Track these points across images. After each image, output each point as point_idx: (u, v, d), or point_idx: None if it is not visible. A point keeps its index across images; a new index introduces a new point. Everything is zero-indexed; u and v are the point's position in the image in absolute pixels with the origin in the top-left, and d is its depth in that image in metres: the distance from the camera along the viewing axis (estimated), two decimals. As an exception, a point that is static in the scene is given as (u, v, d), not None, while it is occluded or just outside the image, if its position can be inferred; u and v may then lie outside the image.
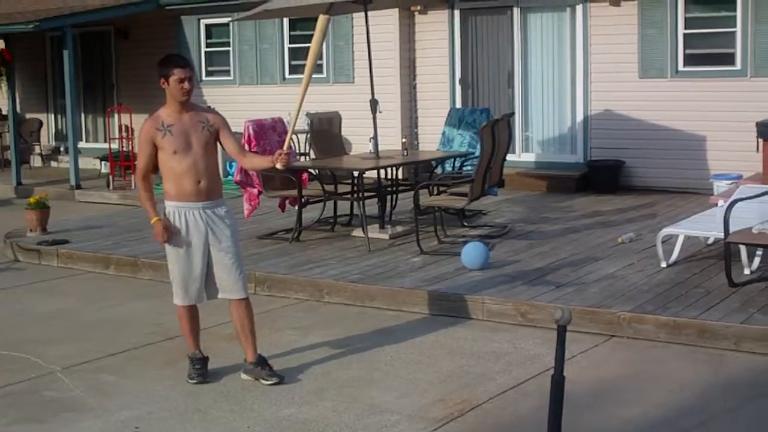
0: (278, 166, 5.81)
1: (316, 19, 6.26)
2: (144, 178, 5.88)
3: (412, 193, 9.39)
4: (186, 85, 5.78)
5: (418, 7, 13.84)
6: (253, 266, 8.40)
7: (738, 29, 11.77)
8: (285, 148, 5.89)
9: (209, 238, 5.87)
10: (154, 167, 5.91)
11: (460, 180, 9.67)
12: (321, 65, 14.78)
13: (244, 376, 6.00)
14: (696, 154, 12.08)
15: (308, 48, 6.37)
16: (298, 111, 6.05)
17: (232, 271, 5.92)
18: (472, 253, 8.25)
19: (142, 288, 8.74)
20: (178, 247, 5.88)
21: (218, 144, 5.96)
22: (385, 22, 13.56)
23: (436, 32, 13.92)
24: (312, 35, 6.30)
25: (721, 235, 7.25)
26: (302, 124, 12.68)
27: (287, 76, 15.29)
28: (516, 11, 13.32)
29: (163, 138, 5.77)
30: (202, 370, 6.02)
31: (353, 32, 14.39)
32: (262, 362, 5.98)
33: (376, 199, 9.98)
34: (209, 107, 6.72)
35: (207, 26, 16.27)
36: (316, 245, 9.51)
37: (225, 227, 5.91)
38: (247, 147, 9.56)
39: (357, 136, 13.13)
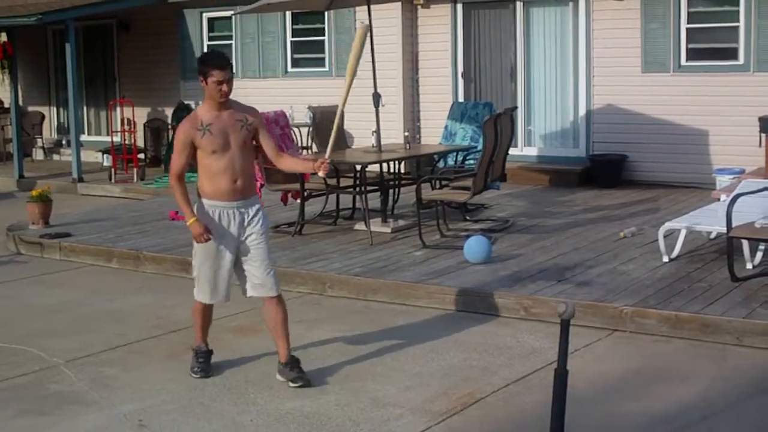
0: (320, 174, 5.80)
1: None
2: (180, 178, 5.74)
3: (415, 186, 9.39)
4: (224, 87, 5.63)
5: (421, 1, 13.82)
6: (256, 260, 8.39)
7: (741, 24, 11.75)
8: (327, 156, 5.85)
9: (241, 237, 5.78)
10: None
11: (463, 174, 9.68)
12: (323, 59, 14.77)
13: (279, 377, 5.86)
14: (698, 148, 12.07)
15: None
16: (339, 118, 6.19)
17: (264, 269, 5.80)
18: (474, 247, 8.25)
19: (144, 281, 8.75)
20: (210, 245, 5.77)
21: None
22: (388, 15, 13.53)
23: (439, 26, 13.90)
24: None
25: (724, 229, 7.24)
26: (304, 117, 12.64)
27: (289, 69, 15.26)
28: (519, 5, 13.31)
29: (203, 138, 5.64)
30: (205, 364, 6.01)
31: (356, 26, 14.36)
32: (292, 363, 5.83)
33: (378, 193, 9.98)
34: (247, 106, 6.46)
35: (209, 20, 16.25)
36: (318, 239, 9.52)
37: (258, 226, 5.81)
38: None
39: (359, 129, 13.12)
